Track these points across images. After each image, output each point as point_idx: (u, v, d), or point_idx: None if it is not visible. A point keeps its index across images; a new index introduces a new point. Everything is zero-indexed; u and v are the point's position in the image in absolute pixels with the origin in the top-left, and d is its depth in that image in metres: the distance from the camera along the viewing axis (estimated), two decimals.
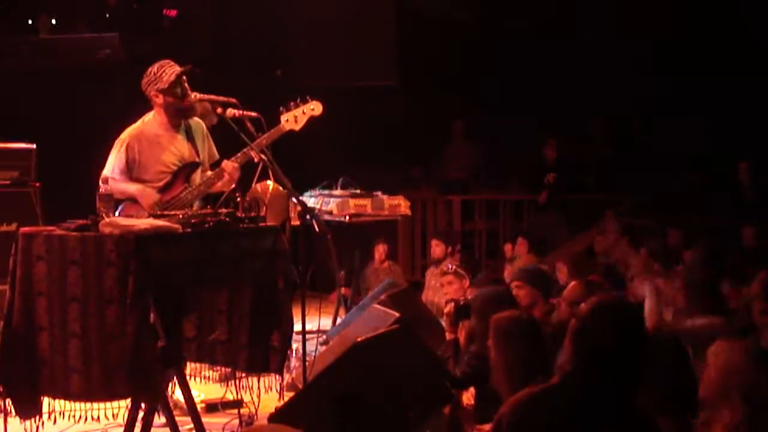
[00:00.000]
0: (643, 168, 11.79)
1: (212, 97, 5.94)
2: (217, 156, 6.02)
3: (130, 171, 5.70)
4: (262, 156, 5.72)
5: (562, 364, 3.59)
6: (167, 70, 5.67)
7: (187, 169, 5.80)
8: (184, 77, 5.71)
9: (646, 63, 11.99)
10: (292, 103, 6.00)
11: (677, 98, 11.79)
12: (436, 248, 10.03)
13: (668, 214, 10.55)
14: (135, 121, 5.89)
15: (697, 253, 8.34)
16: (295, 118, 5.93)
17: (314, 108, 6.02)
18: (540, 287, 6.21)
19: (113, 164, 5.70)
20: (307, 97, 6.06)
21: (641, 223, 10.57)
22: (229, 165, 5.79)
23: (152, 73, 5.69)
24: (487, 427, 4.38)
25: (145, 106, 5.87)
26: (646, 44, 11.95)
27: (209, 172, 5.88)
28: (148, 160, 5.73)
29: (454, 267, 8.25)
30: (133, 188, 5.65)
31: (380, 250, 10.27)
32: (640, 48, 11.96)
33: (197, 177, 5.84)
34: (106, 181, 5.23)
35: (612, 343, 3.26)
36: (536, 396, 3.32)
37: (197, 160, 5.88)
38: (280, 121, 5.93)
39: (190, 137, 5.88)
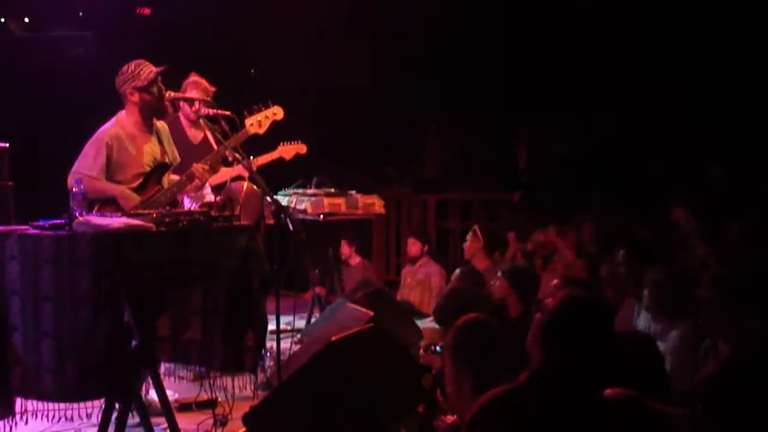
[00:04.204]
0: (617, 167, 11.83)
1: (186, 95, 5.93)
2: (178, 159, 5.87)
3: (107, 171, 5.50)
4: (236, 155, 5.72)
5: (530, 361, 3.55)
6: (144, 69, 5.55)
7: (159, 171, 5.67)
8: (160, 77, 5.63)
9: (624, 61, 12.01)
10: (255, 108, 6.01)
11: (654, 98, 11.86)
12: (413, 246, 10.02)
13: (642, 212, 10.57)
14: (107, 119, 5.81)
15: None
16: (259, 122, 5.94)
17: (276, 113, 6.07)
18: (517, 286, 6.20)
19: (92, 163, 5.47)
20: (269, 102, 6.08)
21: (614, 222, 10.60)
22: (199, 167, 5.73)
23: (129, 71, 5.55)
24: (450, 418, 4.40)
25: (117, 105, 5.79)
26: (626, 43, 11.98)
27: (174, 176, 5.77)
28: (126, 161, 5.55)
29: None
30: (113, 189, 5.46)
31: (345, 251, 10.22)
32: (617, 47, 11.99)
33: (166, 179, 5.72)
34: (80, 178, 5.13)
35: (581, 339, 3.24)
36: (506, 395, 3.29)
37: (167, 161, 5.75)
38: (245, 125, 5.94)
39: (159, 138, 5.74)
